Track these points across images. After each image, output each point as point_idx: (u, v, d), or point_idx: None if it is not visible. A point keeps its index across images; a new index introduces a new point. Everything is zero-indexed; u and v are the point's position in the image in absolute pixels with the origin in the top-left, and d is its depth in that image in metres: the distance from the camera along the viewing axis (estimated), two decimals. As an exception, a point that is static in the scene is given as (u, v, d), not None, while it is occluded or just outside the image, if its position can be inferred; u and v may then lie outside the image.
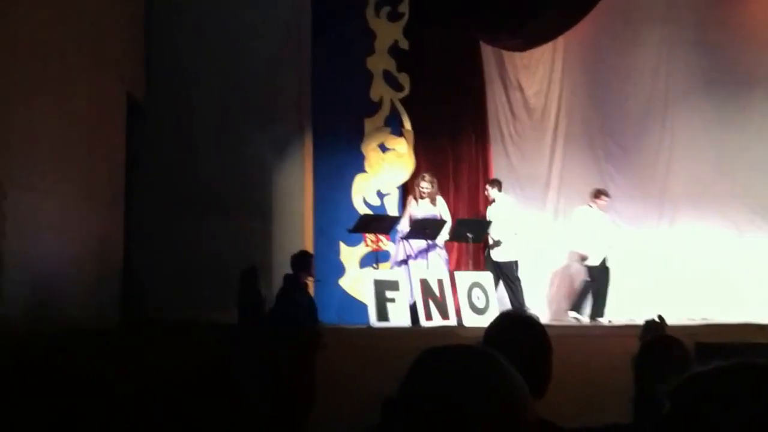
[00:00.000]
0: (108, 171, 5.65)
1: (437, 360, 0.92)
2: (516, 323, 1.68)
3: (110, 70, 5.70)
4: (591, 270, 6.78)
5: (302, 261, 5.23)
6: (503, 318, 1.75)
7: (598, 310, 6.69)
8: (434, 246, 6.43)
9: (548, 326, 5.97)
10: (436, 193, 6.64)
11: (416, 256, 6.36)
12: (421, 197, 6.55)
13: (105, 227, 5.56)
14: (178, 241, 6.19)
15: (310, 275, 5.33)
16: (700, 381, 0.97)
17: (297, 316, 5.01)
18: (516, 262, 6.70)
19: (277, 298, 5.14)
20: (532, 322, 1.65)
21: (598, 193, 6.95)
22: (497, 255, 6.65)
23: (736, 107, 7.86)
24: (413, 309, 5.85)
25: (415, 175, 6.88)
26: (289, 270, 5.44)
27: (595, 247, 6.77)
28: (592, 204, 6.93)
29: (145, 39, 6.57)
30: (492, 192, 6.84)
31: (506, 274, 6.58)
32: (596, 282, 6.75)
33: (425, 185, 6.56)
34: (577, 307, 6.79)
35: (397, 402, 0.89)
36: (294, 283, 5.16)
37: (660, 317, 3.79)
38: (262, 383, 4.52)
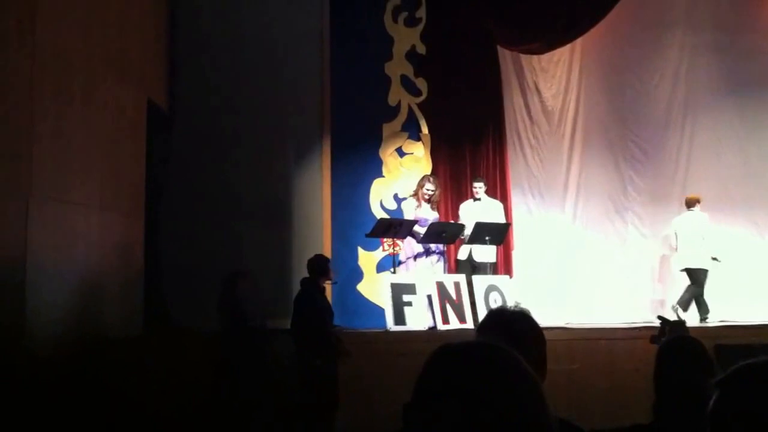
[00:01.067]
0: (130, 179, 5.75)
1: (454, 356, 0.89)
2: (506, 314, 1.68)
3: (133, 80, 5.80)
4: (694, 272, 6.79)
5: (319, 265, 5.23)
6: (492, 311, 1.74)
7: (704, 312, 6.77)
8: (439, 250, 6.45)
9: (567, 330, 5.92)
10: (439, 198, 6.62)
11: (422, 255, 6.38)
12: (425, 200, 6.52)
13: (127, 235, 5.65)
14: (200, 248, 6.29)
15: (328, 279, 5.34)
16: (750, 371, 0.99)
17: (316, 322, 5.04)
18: (494, 264, 6.69)
19: (295, 303, 5.16)
20: (522, 312, 1.64)
21: (698, 200, 6.96)
22: (478, 256, 6.55)
23: (756, 111, 7.81)
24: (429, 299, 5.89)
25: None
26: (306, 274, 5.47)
27: (702, 251, 6.79)
28: (693, 208, 6.91)
29: (168, 49, 6.69)
30: (480, 191, 6.68)
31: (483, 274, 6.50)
32: (699, 284, 6.81)
33: (431, 187, 6.53)
34: (684, 306, 6.81)
35: (415, 399, 0.87)
36: (313, 288, 5.18)
37: (660, 317, 3.83)
38: (258, 385, 4.55)
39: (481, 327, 1.63)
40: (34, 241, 4.25)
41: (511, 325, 1.56)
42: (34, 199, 4.30)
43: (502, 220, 6.69)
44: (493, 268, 6.65)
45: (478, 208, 6.64)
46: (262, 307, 5.12)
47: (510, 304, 6.04)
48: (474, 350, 0.90)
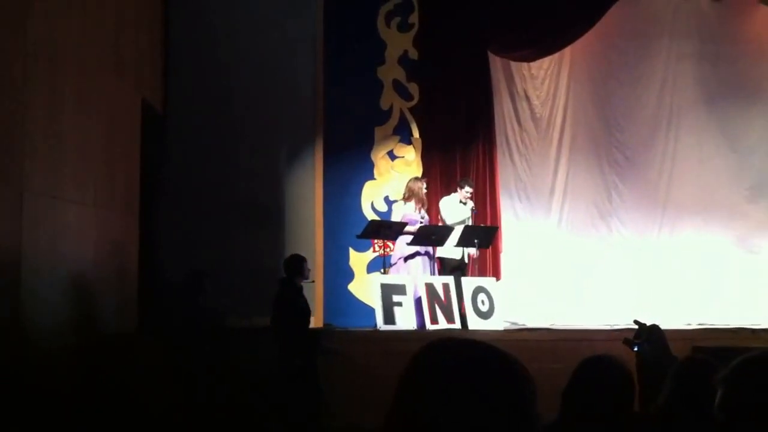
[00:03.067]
0: (124, 178, 5.78)
1: (442, 351, 0.89)
2: (603, 368, 1.81)
3: (128, 80, 5.85)
4: None
5: (295, 264, 5.27)
6: (589, 364, 1.86)
7: None
8: (428, 251, 6.56)
9: (551, 330, 6.07)
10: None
11: (412, 258, 6.49)
12: (422, 202, 6.62)
13: (121, 232, 5.69)
14: (193, 247, 6.34)
15: (305, 278, 5.39)
16: (749, 365, 1.11)
17: (295, 321, 5.10)
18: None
19: (274, 304, 5.20)
20: (618, 366, 1.78)
21: None
22: (445, 253, 6.63)
23: (740, 120, 8.02)
24: (418, 302, 5.98)
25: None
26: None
27: None
28: None
29: (163, 50, 6.73)
30: (469, 193, 6.72)
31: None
32: None
33: (424, 188, 6.67)
34: None
35: (400, 393, 0.87)
36: (290, 287, 5.23)
37: (636, 321, 3.96)
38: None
39: (575, 378, 1.78)
40: (27, 237, 4.29)
41: (605, 381, 1.74)
42: (28, 195, 4.34)
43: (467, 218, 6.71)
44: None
45: (463, 210, 6.70)
46: (223, 306, 5.17)
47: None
48: (461, 346, 0.90)
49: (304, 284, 5.35)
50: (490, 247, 6.95)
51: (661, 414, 2.11)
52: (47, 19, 4.55)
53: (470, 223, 6.62)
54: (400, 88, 7.31)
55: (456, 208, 6.72)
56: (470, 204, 6.71)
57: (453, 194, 6.85)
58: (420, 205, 6.63)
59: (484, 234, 6.64)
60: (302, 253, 5.65)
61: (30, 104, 4.37)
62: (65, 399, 4.36)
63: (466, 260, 6.68)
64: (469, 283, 6.30)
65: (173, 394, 4.74)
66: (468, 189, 6.72)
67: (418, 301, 6.03)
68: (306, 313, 5.24)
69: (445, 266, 6.66)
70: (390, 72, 7.29)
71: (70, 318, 4.74)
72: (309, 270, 5.41)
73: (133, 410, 4.67)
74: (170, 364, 4.87)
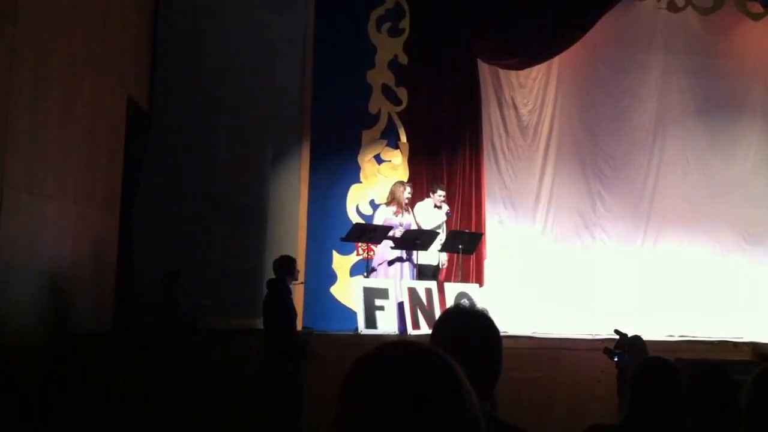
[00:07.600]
0: (106, 175, 5.73)
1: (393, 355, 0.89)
2: (463, 318, 1.57)
3: (114, 78, 5.80)
4: None
5: (287, 265, 5.25)
6: (448, 314, 1.64)
7: None
8: (410, 256, 6.55)
9: (533, 338, 6.02)
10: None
11: (392, 264, 6.48)
12: (405, 206, 6.60)
13: (101, 230, 5.63)
14: (175, 246, 6.28)
15: (295, 279, 5.39)
16: None
17: (286, 323, 5.09)
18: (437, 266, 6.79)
19: (265, 306, 5.19)
20: (480, 315, 1.55)
21: None
22: (426, 258, 6.65)
23: (724, 134, 8.11)
24: (400, 306, 5.97)
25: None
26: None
27: None
28: None
29: (150, 49, 6.69)
30: (442, 197, 6.74)
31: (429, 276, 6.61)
32: None
33: (409, 191, 6.66)
34: None
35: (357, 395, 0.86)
36: (282, 289, 5.21)
37: (617, 331, 3.94)
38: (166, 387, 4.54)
39: (434, 333, 1.54)
40: (5, 232, 4.22)
41: (464, 332, 1.50)
42: (7, 190, 4.27)
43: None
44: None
45: (438, 215, 6.70)
46: (201, 306, 5.14)
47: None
48: (407, 349, 0.89)
49: (292, 285, 5.35)
50: (474, 254, 6.96)
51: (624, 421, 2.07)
52: (33, 14, 4.49)
53: (445, 227, 6.63)
54: (388, 93, 7.32)
55: (431, 213, 6.74)
56: (445, 207, 6.74)
57: (426, 199, 6.87)
58: (400, 210, 6.61)
59: (468, 240, 6.65)
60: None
61: (12, 97, 4.31)
62: (38, 397, 4.29)
63: (441, 267, 6.68)
64: (451, 288, 6.29)
65: (148, 395, 4.68)
66: (441, 193, 6.75)
67: (400, 306, 6.02)
68: (294, 315, 5.23)
69: (421, 272, 6.64)
70: (379, 76, 7.30)
71: (44, 315, 4.68)
72: (298, 271, 5.42)
73: (106, 409, 4.61)
74: (145, 365, 4.82)
